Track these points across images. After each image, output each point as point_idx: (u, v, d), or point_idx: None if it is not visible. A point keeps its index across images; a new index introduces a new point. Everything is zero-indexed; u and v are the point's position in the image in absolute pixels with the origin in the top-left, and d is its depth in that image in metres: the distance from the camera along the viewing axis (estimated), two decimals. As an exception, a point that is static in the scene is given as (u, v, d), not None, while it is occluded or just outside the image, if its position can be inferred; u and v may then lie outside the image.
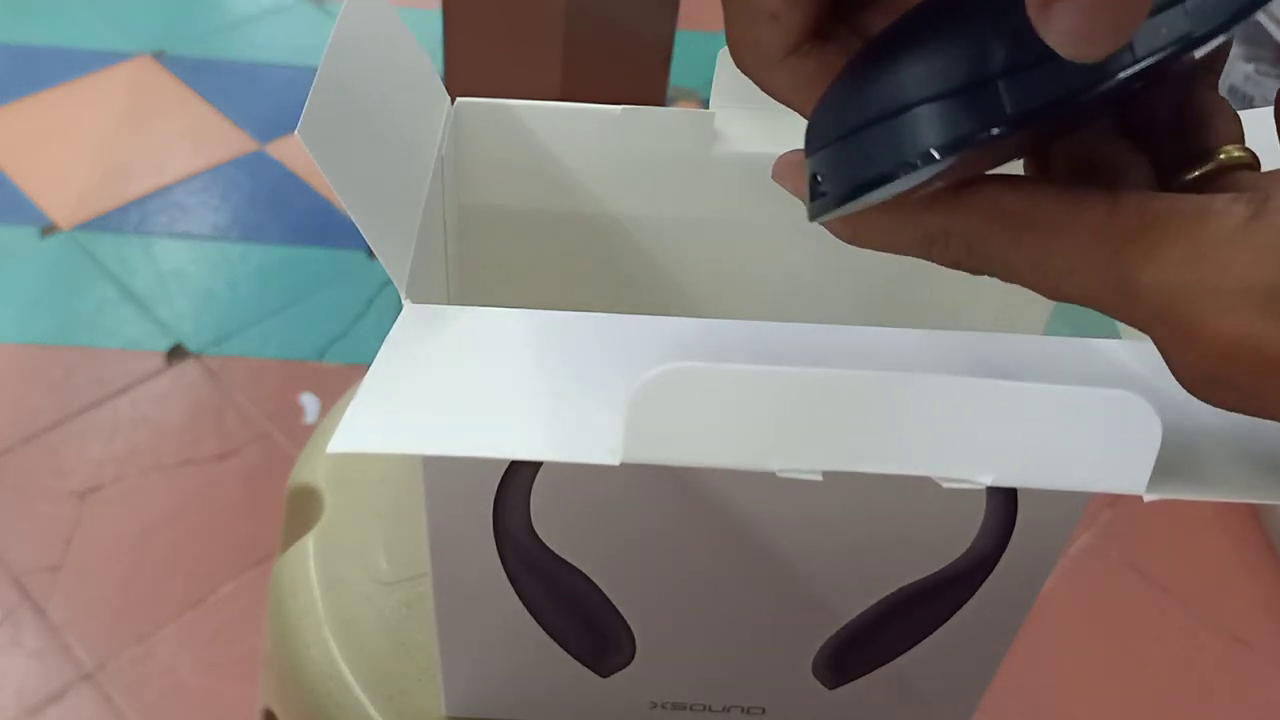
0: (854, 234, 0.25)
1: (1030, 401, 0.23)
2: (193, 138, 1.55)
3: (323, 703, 0.43)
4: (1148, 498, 0.24)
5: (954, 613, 0.36)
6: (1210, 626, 1.09)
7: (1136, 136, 0.25)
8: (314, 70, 0.28)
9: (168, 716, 0.96)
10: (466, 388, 0.27)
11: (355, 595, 0.46)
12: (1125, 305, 0.22)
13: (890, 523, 0.33)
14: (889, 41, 0.23)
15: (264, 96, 1.63)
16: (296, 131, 0.27)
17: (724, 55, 0.40)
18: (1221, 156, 0.24)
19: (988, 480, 0.24)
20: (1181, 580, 1.13)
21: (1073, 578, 1.11)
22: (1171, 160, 0.25)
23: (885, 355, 0.30)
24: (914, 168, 0.22)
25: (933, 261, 0.24)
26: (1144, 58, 0.20)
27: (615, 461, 0.25)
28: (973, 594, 0.35)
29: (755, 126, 0.41)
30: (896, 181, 0.22)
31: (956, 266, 0.24)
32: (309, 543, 0.48)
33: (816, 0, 0.25)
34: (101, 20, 1.75)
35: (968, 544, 0.33)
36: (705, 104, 0.41)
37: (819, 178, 0.24)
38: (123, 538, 1.08)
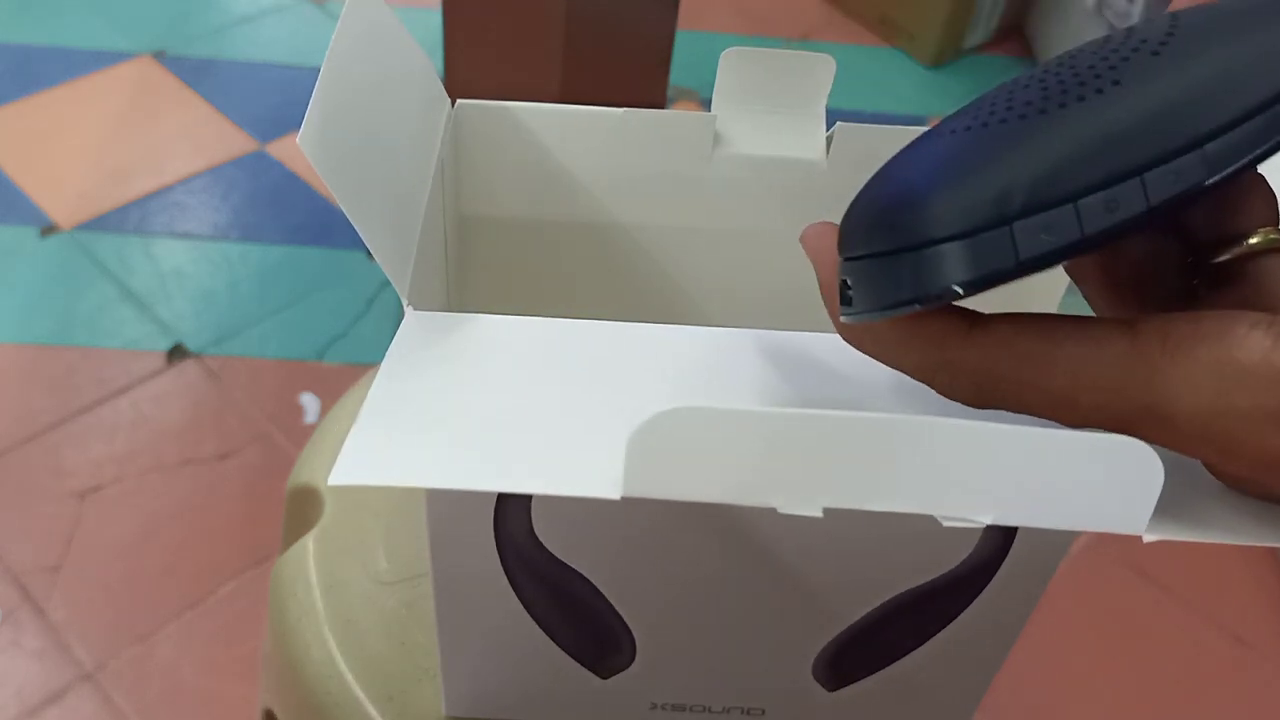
0: (859, 342, 0.26)
1: (1032, 446, 0.23)
2: (193, 138, 1.55)
3: (323, 703, 0.43)
4: (1147, 539, 0.24)
5: (954, 617, 0.36)
6: (1210, 626, 1.10)
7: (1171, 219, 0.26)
8: (314, 70, 0.28)
9: (168, 716, 0.96)
10: (468, 409, 0.27)
11: (355, 595, 0.46)
12: (1160, 432, 0.22)
13: (891, 529, 0.33)
14: (919, 158, 0.24)
15: (264, 96, 1.63)
16: (298, 140, 0.27)
17: (726, 55, 0.39)
18: (1254, 240, 0.24)
19: (987, 520, 0.24)
20: (1181, 580, 1.13)
21: (1073, 578, 1.11)
22: (1204, 240, 0.25)
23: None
24: (937, 299, 0.23)
25: (933, 388, 0.25)
26: (1157, 203, 0.21)
27: (616, 496, 0.24)
28: (973, 599, 0.35)
29: (758, 128, 0.41)
30: (921, 305, 0.23)
31: (956, 399, 0.25)
32: (309, 543, 0.48)
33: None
34: (101, 20, 1.75)
35: (969, 550, 0.33)
36: (705, 104, 0.41)
37: (848, 284, 0.25)
38: (123, 538, 1.08)
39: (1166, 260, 0.25)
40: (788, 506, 0.24)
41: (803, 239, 0.27)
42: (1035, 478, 0.24)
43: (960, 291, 0.22)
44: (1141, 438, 0.23)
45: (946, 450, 0.23)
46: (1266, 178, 0.25)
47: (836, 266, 0.26)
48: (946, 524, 0.25)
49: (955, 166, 0.23)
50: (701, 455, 0.24)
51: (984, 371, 0.23)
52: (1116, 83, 0.21)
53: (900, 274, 0.23)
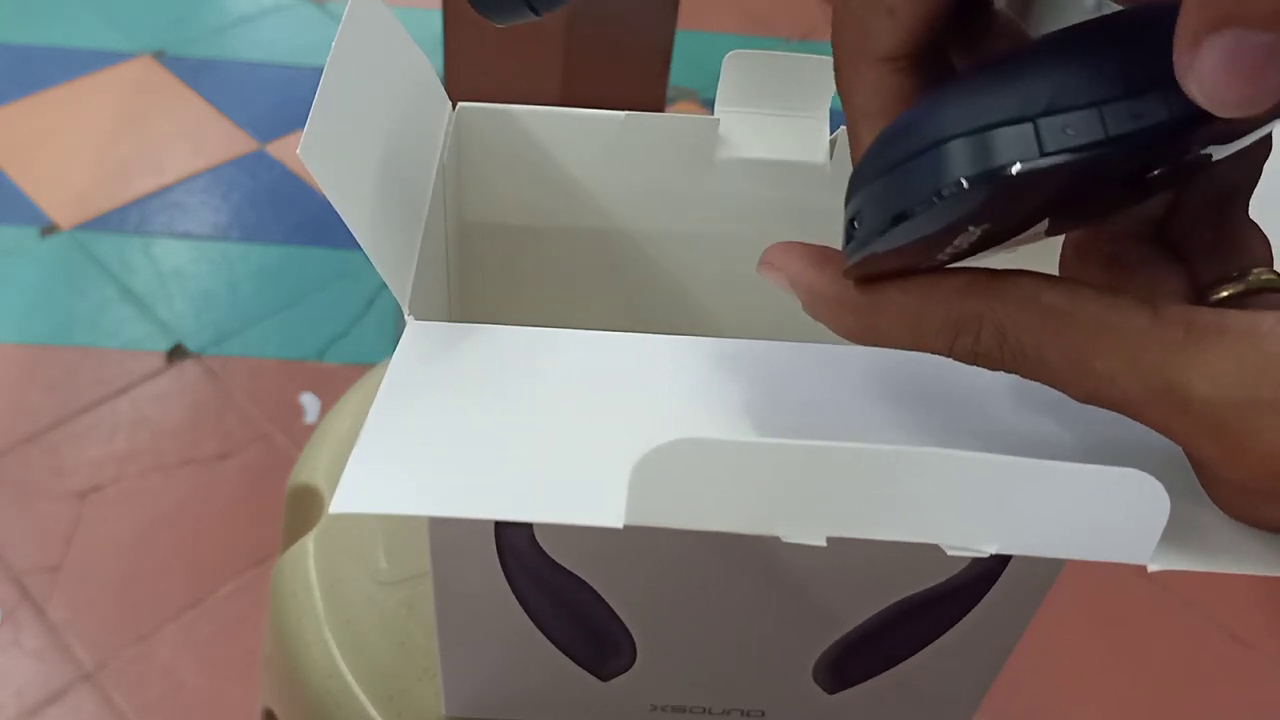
0: (871, 326, 0.25)
1: (1038, 476, 0.23)
2: (193, 138, 1.55)
3: (323, 703, 0.43)
4: (1152, 568, 0.24)
5: (956, 622, 0.36)
6: (1210, 626, 1.10)
7: (1173, 250, 0.26)
8: (314, 70, 0.28)
9: (168, 716, 0.96)
10: (470, 427, 0.27)
11: (355, 595, 0.46)
12: (1171, 416, 0.22)
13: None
14: (940, 90, 0.23)
15: (264, 96, 1.63)
16: (299, 152, 0.27)
17: (729, 58, 0.39)
18: (1251, 278, 0.25)
19: (992, 549, 0.24)
20: (1181, 580, 1.13)
21: (1073, 578, 1.11)
22: (1205, 276, 0.25)
23: (898, 377, 0.30)
24: (943, 199, 0.22)
25: (951, 355, 0.24)
26: (1179, 115, 0.20)
27: (619, 525, 0.24)
28: (976, 603, 0.35)
29: (761, 131, 0.41)
30: (930, 212, 0.22)
31: (976, 360, 0.24)
32: (309, 543, 0.48)
33: (932, 15, 0.24)
34: (101, 20, 1.75)
35: (971, 558, 0.33)
36: (705, 104, 0.41)
37: (855, 222, 0.24)
38: (123, 538, 1.08)
39: (1169, 288, 0.26)
40: (791, 536, 0.24)
41: (760, 268, 0.27)
42: (1040, 507, 0.23)
43: (966, 185, 0.21)
44: (1150, 423, 0.22)
45: (950, 480, 0.23)
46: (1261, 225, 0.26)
47: (805, 266, 0.26)
48: (951, 552, 0.24)
49: (973, 82, 0.22)
50: (704, 486, 0.24)
51: (1007, 325, 0.23)
52: (1132, 24, 0.22)
53: (910, 178, 0.22)
